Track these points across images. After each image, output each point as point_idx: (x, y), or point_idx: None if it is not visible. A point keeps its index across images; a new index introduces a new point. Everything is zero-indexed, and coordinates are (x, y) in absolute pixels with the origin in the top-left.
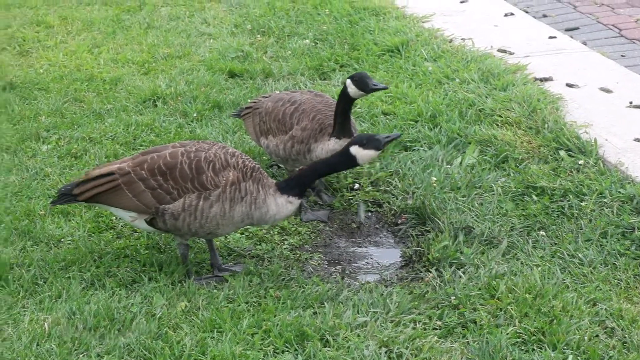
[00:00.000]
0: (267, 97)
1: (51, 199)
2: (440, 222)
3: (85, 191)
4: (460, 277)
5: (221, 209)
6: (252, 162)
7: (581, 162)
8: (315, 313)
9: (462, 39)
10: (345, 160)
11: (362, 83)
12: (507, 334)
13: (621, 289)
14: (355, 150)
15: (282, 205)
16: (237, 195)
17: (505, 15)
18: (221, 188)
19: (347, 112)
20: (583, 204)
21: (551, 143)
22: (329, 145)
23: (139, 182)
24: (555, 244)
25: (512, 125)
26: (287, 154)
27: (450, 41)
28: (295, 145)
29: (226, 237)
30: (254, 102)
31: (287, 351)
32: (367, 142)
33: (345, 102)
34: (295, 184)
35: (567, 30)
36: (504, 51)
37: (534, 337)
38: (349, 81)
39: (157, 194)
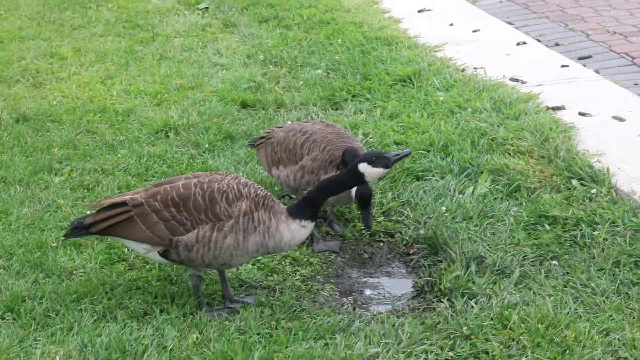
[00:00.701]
0: (280, 128)
1: (63, 232)
2: (452, 252)
3: (97, 222)
4: (472, 307)
5: (235, 240)
6: (263, 191)
7: (594, 191)
8: (326, 344)
9: (474, 68)
10: (353, 178)
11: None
12: None
13: (634, 318)
14: (363, 167)
15: (295, 230)
16: (251, 225)
17: (518, 44)
18: (234, 219)
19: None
20: (595, 233)
21: (563, 172)
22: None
23: (152, 214)
24: (568, 273)
25: (525, 154)
26: (297, 184)
27: (463, 70)
28: (305, 176)
29: (238, 269)
30: (267, 133)
31: None
32: (376, 159)
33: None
34: (305, 206)
35: (580, 58)
36: (516, 80)
37: None
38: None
39: (171, 225)
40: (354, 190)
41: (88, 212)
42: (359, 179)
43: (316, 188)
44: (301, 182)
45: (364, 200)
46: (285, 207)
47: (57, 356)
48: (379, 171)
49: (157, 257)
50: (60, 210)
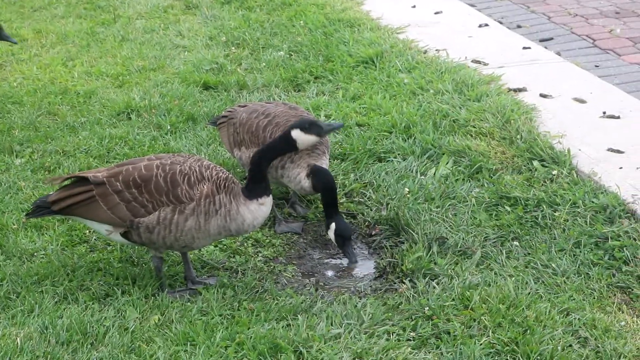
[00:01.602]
0: (243, 107)
1: (24, 213)
2: (414, 233)
3: (60, 200)
4: (434, 287)
5: (196, 223)
6: (224, 173)
7: (555, 172)
8: (288, 325)
9: (436, 50)
10: (285, 144)
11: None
12: (481, 344)
13: (594, 298)
14: (296, 134)
15: (256, 210)
16: (212, 208)
17: (480, 26)
18: (196, 201)
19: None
20: (556, 214)
21: (525, 153)
22: (301, 174)
23: (114, 195)
24: (529, 254)
25: (486, 136)
26: None
27: (425, 52)
28: None
29: (200, 250)
30: (230, 112)
31: None
32: (309, 126)
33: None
34: (254, 184)
35: (542, 40)
36: (478, 62)
37: (508, 348)
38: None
39: (132, 206)
40: (332, 229)
41: (50, 193)
42: (291, 145)
43: (255, 160)
44: None
45: (345, 238)
46: (240, 187)
47: (18, 338)
48: (311, 138)
49: (119, 238)
50: (21, 192)
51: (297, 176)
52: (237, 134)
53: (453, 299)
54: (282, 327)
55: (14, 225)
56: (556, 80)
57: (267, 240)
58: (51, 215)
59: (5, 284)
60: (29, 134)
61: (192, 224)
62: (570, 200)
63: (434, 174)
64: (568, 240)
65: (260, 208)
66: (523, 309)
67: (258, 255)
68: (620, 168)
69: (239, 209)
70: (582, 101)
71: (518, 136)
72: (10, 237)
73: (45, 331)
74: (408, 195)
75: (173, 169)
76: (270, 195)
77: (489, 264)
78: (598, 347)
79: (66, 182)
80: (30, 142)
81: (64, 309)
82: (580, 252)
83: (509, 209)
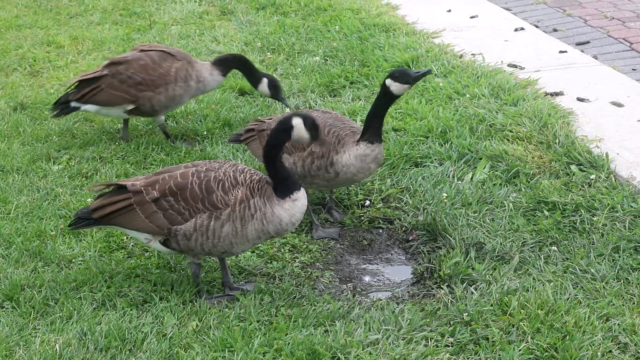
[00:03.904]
0: (269, 120)
1: (62, 220)
2: (451, 238)
3: (100, 208)
4: (472, 293)
5: (233, 228)
6: (258, 175)
7: (593, 176)
8: (326, 331)
9: (472, 54)
10: (383, 94)
11: (405, 76)
12: (520, 350)
13: (634, 304)
14: (389, 82)
15: (290, 208)
16: (248, 213)
17: (516, 30)
18: (231, 207)
19: (383, 115)
20: (595, 218)
21: (562, 158)
22: (359, 150)
23: (151, 203)
24: (567, 259)
25: (523, 140)
26: (307, 170)
27: (461, 56)
28: (315, 161)
29: (237, 256)
30: (255, 125)
31: None
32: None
33: (386, 102)
34: (282, 181)
35: (578, 44)
36: (515, 66)
37: (547, 354)
38: (389, 80)
39: (169, 214)
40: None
41: (89, 201)
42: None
43: (267, 158)
44: (311, 168)
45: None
46: (267, 185)
47: (57, 345)
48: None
49: (159, 246)
50: (58, 199)
51: (354, 150)
52: None
53: (491, 305)
54: (320, 333)
55: (52, 231)
56: (593, 84)
57: (304, 246)
58: (93, 227)
59: (44, 290)
60: (66, 140)
61: (228, 229)
62: (608, 204)
63: (471, 178)
64: (607, 245)
65: (295, 204)
66: (562, 314)
67: (295, 261)
68: None
69: (273, 210)
70: (619, 105)
71: (555, 140)
72: (49, 244)
73: (83, 337)
74: (445, 201)
75: (208, 176)
76: (302, 189)
77: (527, 269)
78: (638, 352)
79: (105, 190)
80: (67, 148)
81: (103, 315)
82: (620, 257)
83: (546, 213)
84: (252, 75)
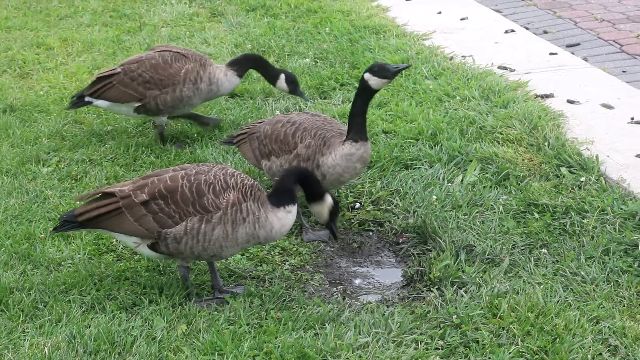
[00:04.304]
0: (260, 122)
1: (52, 223)
2: (441, 241)
3: (86, 212)
4: (462, 296)
5: (224, 231)
6: (250, 180)
7: (583, 179)
8: (316, 334)
9: (462, 56)
10: (361, 89)
11: (384, 70)
12: (510, 353)
13: (624, 306)
14: (368, 76)
15: (283, 217)
16: (239, 216)
17: (506, 32)
18: (222, 210)
19: (364, 112)
20: (585, 221)
21: (552, 160)
22: (344, 150)
23: (140, 206)
24: (557, 261)
25: (513, 143)
26: None
27: (451, 58)
28: (301, 164)
29: (227, 259)
30: (248, 128)
31: None
32: (378, 69)
33: (365, 98)
34: (282, 192)
35: (568, 46)
36: (505, 68)
37: (537, 356)
38: (367, 74)
39: (159, 218)
40: (328, 201)
41: (77, 204)
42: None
43: (286, 172)
44: None
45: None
46: (265, 195)
47: (46, 348)
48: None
49: (147, 250)
50: (48, 201)
51: (339, 150)
52: (263, 145)
53: (481, 308)
54: (310, 336)
55: (41, 234)
56: (583, 86)
57: (294, 249)
58: (78, 230)
59: (33, 293)
60: (56, 142)
61: (219, 232)
62: (598, 207)
63: (461, 181)
64: (597, 247)
65: (288, 216)
66: (552, 317)
67: (285, 264)
68: None
69: (267, 216)
70: (609, 107)
71: (545, 143)
72: (38, 246)
73: (73, 341)
74: (435, 203)
75: (198, 179)
76: (297, 204)
77: (517, 272)
78: (628, 355)
79: (93, 198)
80: (57, 150)
81: (92, 319)
82: (610, 259)
83: (537, 216)
84: (269, 72)
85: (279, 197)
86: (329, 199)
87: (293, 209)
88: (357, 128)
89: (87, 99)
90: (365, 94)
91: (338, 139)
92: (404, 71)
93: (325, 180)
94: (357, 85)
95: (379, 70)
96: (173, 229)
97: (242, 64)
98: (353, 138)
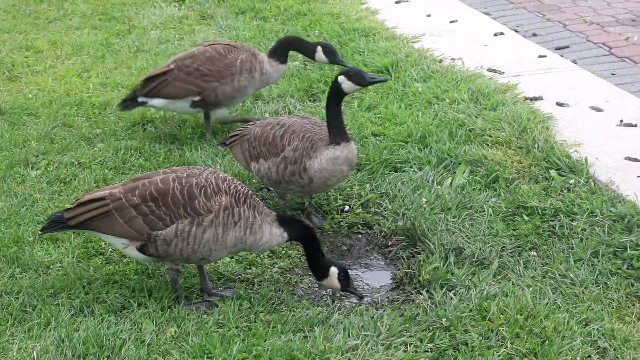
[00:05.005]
0: (253, 124)
1: (40, 226)
2: (430, 244)
3: (76, 215)
4: (452, 298)
5: (214, 235)
6: (245, 188)
7: (572, 181)
8: (305, 337)
9: (452, 59)
10: (333, 89)
11: (360, 77)
12: (499, 355)
13: (613, 308)
14: (342, 79)
15: (275, 235)
16: (230, 220)
17: (495, 34)
18: (214, 213)
19: (339, 113)
20: (574, 223)
21: (542, 162)
22: (328, 154)
23: (131, 209)
24: (547, 264)
25: (503, 145)
26: (280, 175)
27: (440, 61)
28: (288, 167)
29: (216, 262)
30: (241, 130)
31: None
32: (354, 75)
33: (337, 100)
34: (297, 227)
35: (557, 49)
36: (494, 71)
37: (526, 359)
38: (342, 77)
39: (149, 220)
40: (334, 273)
41: (66, 206)
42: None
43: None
44: (284, 173)
45: (349, 277)
46: (276, 213)
47: (34, 351)
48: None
49: (135, 252)
50: (36, 205)
51: (324, 154)
52: (252, 148)
53: (470, 310)
54: (299, 339)
55: (29, 237)
56: (572, 88)
57: (283, 252)
58: (66, 230)
59: (22, 296)
60: (45, 145)
61: (209, 235)
62: (587, 209)
63: (451, 183)
64: (586, 249)
65: (278, 238)
66: (541, 319)
67: (274, 267)
68: (638, 176)
69: (262, 225)
70: (598, 109)
71: (535, 145)
72: (26, 250)
73: (61, 344)
74: (424, 206)
75: (189, 182)
76: (289, 240)
77: (507, 274)
78: (617, 357)
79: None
80: (45, 154)
81: (80, 322)
82: (599, 261)
83: (526, 218)
84: (306, 49)
85: (290, 225)
86: (333, 271)
87: (286, 238)
88: (335, 131)
89: (140, 99)
90: (336, 96)
91: (324, 142)
92: (392, 74)
93: (313, 184)
94: None
95: (355, 75)
96: (163, 231)
97: (281, 51)
98: (335, 141)
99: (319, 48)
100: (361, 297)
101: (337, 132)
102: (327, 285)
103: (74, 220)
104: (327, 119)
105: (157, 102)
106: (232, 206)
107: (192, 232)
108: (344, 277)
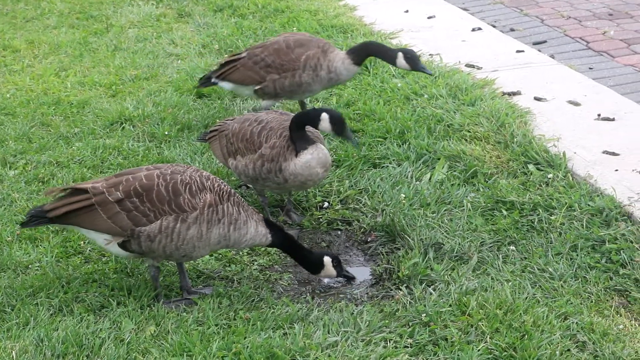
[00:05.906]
0: (232, 120)
1: (19, 225)
2: (410, 239)
3: (56, 207)
4: (431, 294)
5: (198, 231)
6: (227, 187)
7: (550, 175)
8: (285, 334)
9: (430, 54)
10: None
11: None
12: (479, 350)
13: (592, 302)
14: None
15: (260, 234)
16: (215, 217)
17: (473, 30)
18: (199, 210)
19: (302, 127)
20: (553, 217)
21: (520, 157)
22: (301, 160)
23: (114, 204)
24: (526, 258)
25: (481, 140)
26: (257, 173)
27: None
28: (265, 164)
29: (195, 260)
30: (220, 125)
31: None
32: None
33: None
34: (281, 235)
35: (535, 43)
36: (472, 66)
37: (506, 353)
38: (400, 54)
39: (133, 215)
40: (328, 262)
41: (45, 203)
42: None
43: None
44: (261, 171)
45: (340, 261)
46: (262, 215)
47: (13, 352)
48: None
49: (117, 249)
50: (14, 204)
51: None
52: (230, 144)
53: (450, 305)
54: (279, 336)
55: (8, 237)
56: (550, 83)
57: (263, 249)
58: (47, 225)
59: (0, 297)
60: (23, 145)
61: (194, 232)
62: (566, 203)
63: (429, 179)
64: (565, 244)
65: (262, 238)
66: (520, 313)
67: (254, 264)
68: (616, 170)
69: (247, 221)
70: (576, 104)
71: (513, 140)
72: (5, 250)
73: (40, 344)
74: (403, 201)
75: (174, 179)
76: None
77: (486, 269)
78: (596, 351)
79: (62, 194)
80: (23, 153)
81: (60, 321)
82: (577, 255)
83: (505, 213)
84: (387, 55)
85: (277, 232)
86: (327, 260)
87: (270, 240)
88: (299, 141)
89: (213, 80)
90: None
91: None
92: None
93: (287, 184)
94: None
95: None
96: (147, 227)
97: (360, 53)
98: (302, 147)
99: (400, 54)
100: (353, 278)
101: (301, 141)
102: (325, 275)
103: (54, 212)
104: (290, 136)
105: (226, 85)
106: (217, 203)
107: (177, 228)
108: (337, 264)
